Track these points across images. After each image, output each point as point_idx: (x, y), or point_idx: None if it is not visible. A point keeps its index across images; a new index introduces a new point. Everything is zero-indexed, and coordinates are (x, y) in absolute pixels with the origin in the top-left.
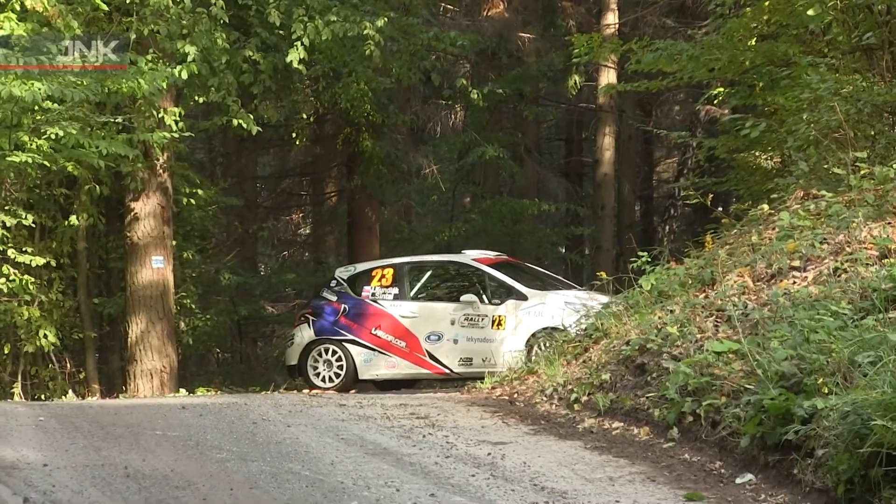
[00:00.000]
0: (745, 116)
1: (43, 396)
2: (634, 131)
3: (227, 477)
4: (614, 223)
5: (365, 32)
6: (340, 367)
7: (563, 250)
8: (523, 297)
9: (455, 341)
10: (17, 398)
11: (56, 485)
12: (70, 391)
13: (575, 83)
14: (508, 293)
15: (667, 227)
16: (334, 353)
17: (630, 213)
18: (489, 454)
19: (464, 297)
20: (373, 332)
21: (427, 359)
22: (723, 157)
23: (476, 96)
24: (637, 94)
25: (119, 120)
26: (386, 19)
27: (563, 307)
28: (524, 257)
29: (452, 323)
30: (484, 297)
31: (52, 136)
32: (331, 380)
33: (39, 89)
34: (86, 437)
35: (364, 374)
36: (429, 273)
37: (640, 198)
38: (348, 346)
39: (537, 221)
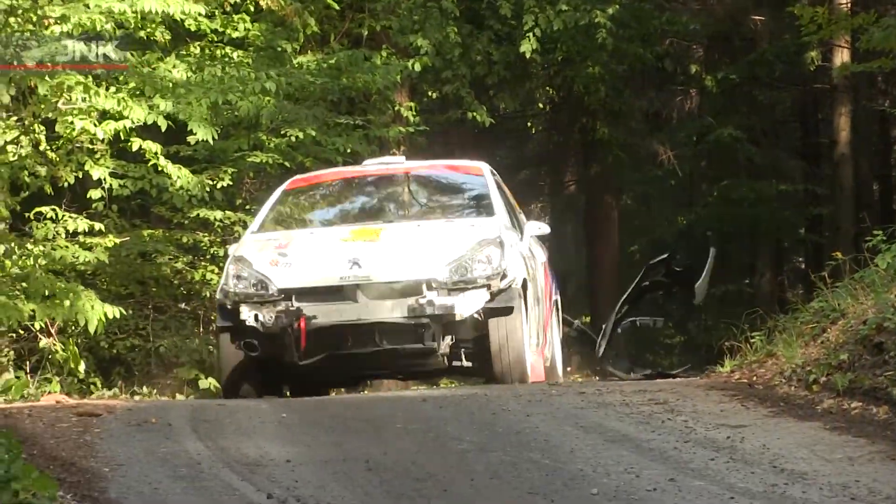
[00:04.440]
0: None
1: (289, 393)
2: (870, 110)
3: (468, 467)
4: (853, 204)
5: (596, 21)
6: None
7: (803, 232)
8: None
9: None
10: None
11: (299, 480)
12: None
13: (812, 60)
14: None
15: None
16: None
17: (868, 193)
18: (728, 438)
19: None
20: None
21: None
22: None
23: (710, 83)
24: (872, 72)
25: (357, 122)
26: (617, 6)
27: None
28: (765, 240)
29: None
30: None
31: (292, 138)
32: None
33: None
34: (327, 432)
35: None
36: None
37: (877, 177)
38: None
39: (775, 203)
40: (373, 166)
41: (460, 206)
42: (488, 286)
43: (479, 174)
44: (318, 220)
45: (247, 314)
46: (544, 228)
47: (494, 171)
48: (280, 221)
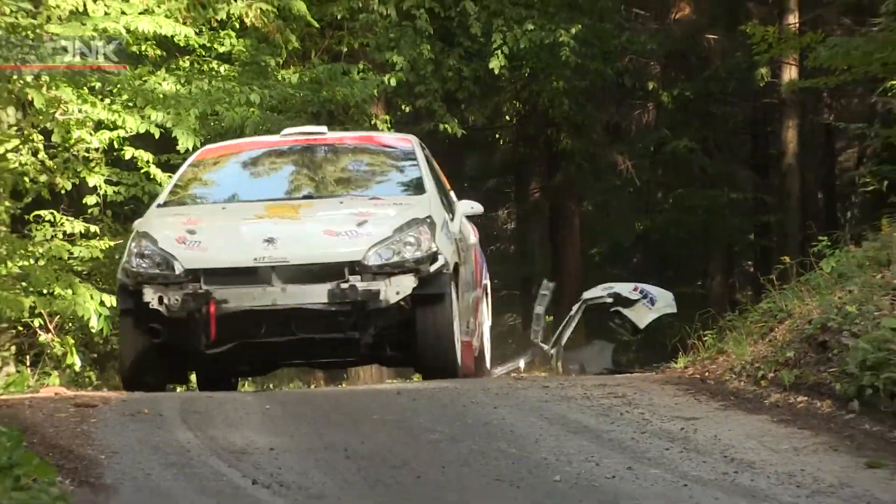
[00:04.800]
0: None
1: (272, 386)
2: (816, 124)
3: (440, 456)
4: (800, 212)
5: (560, 39)
6: None
7: (753, 237)
8: None
9: None
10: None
11: (282, 467)
12: (297, 379)
13: (762, 76)
14: None
15: (848, 214)
16: None
17: (814, 202)
18: (682, 429)
19: None
20: None
21: None
22: None
23: (667, 98)
24: (819, 88)
25: None
26: (580, 26)
27: None
28: (717, 245)
29: None
30: None
31: None
32: None
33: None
34: (308, 423)
35: None
36: None
37: (822, 186)
38: None
39: (726, 211)
40: (292, 136)
41: (387, 182)
42: (417, 270)
43: (407, 146)
44: (231, 194)
45: (150, 296)
46: (477, 208)
47: (424, 145)
48: (189, 194)
